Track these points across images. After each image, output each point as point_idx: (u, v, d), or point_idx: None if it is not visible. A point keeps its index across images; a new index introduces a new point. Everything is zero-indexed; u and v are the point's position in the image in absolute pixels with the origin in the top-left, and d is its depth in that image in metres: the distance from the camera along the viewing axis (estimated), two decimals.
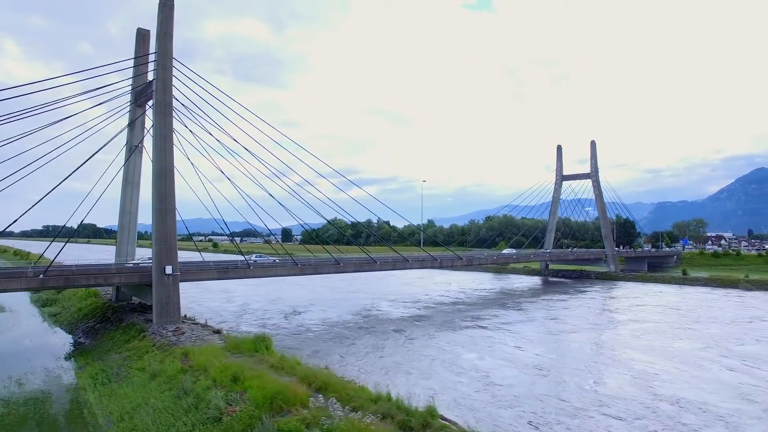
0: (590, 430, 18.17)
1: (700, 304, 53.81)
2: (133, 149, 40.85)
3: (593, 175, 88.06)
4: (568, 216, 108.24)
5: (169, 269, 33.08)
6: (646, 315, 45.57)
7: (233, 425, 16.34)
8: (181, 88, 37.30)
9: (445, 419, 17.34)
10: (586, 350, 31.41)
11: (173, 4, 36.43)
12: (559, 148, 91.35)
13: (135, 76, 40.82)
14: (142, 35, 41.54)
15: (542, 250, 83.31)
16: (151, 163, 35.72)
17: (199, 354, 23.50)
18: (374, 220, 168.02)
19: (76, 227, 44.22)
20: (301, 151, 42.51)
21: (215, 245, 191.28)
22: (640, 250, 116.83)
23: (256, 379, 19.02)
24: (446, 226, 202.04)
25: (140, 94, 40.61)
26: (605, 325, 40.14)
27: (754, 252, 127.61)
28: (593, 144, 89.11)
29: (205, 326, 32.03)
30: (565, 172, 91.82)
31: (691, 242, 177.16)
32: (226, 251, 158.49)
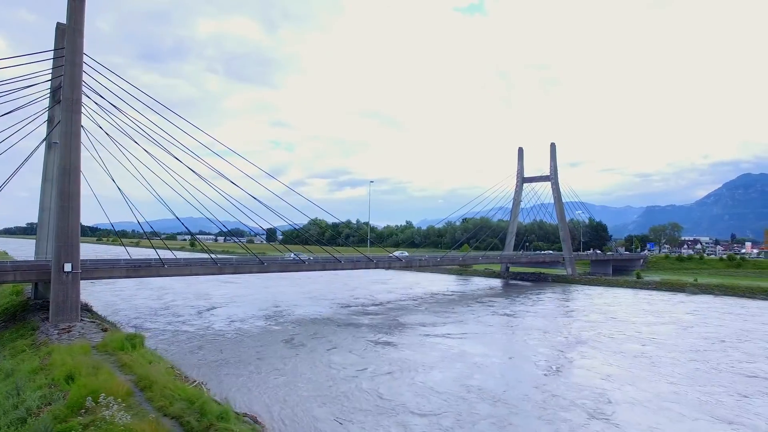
0: (387, 426, 18.52)
1: (617, 305, 54.90)
2: (50, 145, 40.44)
3: (552, 177, 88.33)
4: (543, 219, 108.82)
5: (68, 267, 32.78)
6: (551, 317, 46.00)
7: (33, 426, 16.12)
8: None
9: (257, 421, 17.29)
10: (445, 349, 31.66)
11: None
12: (521, 151, 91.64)
13: (54, 68, 40.28)
14: (61, 30, 41.05)
15: (493, 252, 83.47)
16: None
17: (60, 353, 23.21)
18: (368, 221, 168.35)
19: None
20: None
21: (192, 244, 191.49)
22: (609, 253, 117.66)
23: (87, 378, 18.78)
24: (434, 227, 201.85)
25: (58, 90, 40.17)
26: (492, 326, 40.45)
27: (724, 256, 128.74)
28: (553, 146, 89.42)
29: (99, 324, 31.79)
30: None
31: (667, 246, 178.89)
32: (201, 250, 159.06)
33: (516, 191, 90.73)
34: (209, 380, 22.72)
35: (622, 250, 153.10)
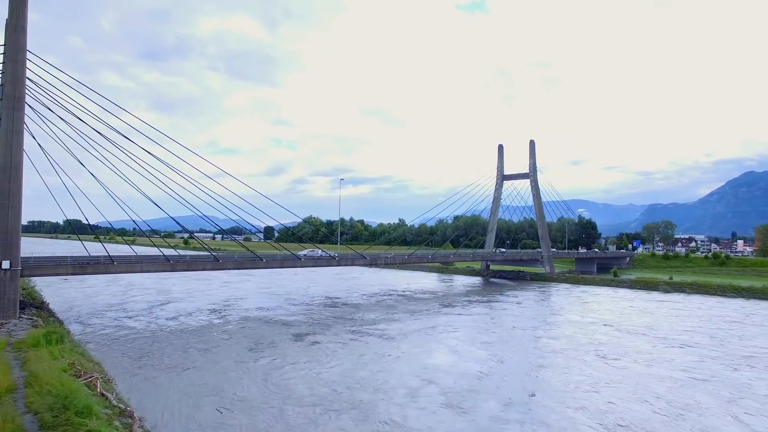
0: (261, 414, 18.77)
1: (567, 304, 54.75)
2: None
3: (531, 175, 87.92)
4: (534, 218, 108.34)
5: (6, 264, 32.86)
6: (488, 316, 45.67)
7: None
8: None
9: (132, 416, 17.30)
10: (361, 344, 31.83)
11: None
12: (500, 148, 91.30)
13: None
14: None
15: (466, 250, 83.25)
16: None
17: None
18: (339, 218, 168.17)
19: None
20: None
21: (186, 242, 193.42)
22: (592, 250, 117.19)
23: None
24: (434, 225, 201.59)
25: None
26: (421, 321, 40.57)
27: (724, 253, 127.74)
28: (532, 144, 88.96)
29: (35, 321, 31.89)
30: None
31: (661, 243, 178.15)
32: (194, 248, 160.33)
33: (496, 188, 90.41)
34: (120, 374, 22.93)
35: (613, 248, 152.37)
